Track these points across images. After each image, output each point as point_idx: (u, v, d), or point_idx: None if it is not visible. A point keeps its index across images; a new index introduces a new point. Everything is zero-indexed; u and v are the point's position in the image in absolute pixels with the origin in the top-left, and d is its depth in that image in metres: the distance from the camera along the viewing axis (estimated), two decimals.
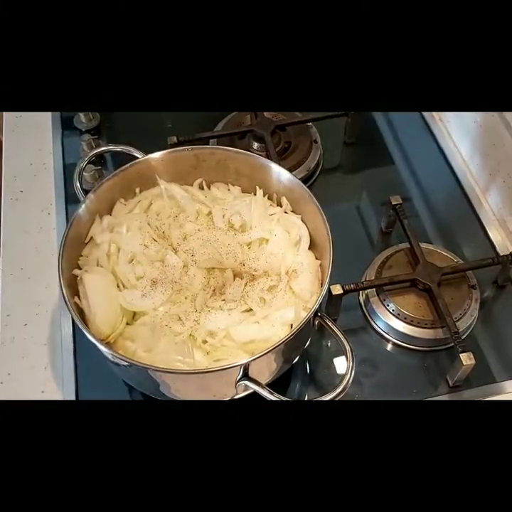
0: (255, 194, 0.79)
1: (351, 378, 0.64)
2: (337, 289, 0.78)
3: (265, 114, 1.00)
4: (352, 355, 0.65)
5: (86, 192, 0.76)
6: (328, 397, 0.63)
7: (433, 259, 0.84)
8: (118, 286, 0.71)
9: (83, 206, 0.74)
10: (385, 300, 0.82)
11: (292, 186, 0.77)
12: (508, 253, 0.83)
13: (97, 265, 0.73)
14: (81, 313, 0.68)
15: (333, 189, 0.98)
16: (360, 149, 1.04)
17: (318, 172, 1.00)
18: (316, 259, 0.74)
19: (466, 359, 0.73)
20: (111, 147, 0.91)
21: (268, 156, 0.91)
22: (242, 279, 0.71)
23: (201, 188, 0.81)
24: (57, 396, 0.77)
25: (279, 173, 0.77)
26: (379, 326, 0.82)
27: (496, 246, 0.90)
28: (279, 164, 0.78)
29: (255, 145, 0.98)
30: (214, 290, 0.71)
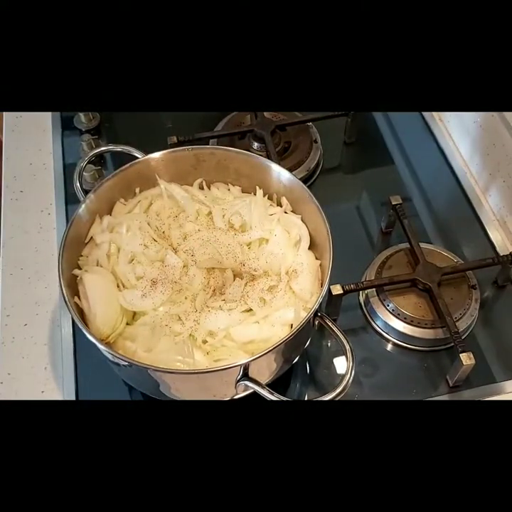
0: (255, 194, 0.79)
1: (351, 378, 0.64)
2: (337, 289, 0.78)
3: (265, 114, 1.00)
4: (352, 355, 0.65)
5: (86, 192, 0.76)
6: (328, 397, 0.63)
7: (433, 259, 0.84)
8: (118, 286, 0.71)
9: (83, 206, 0.74)
10: (385, 300, 0.82)
11: (292, 186, 0.77)
12: (508, 253, 0.83)
13: (97, 265, 0.73)
14: (81, 313, 0.68)
15: (333, 189, 0.98)
16: (360, 149, 1.04)
17: (318, 172, 1.00)
18: (316, 259, 0.74)
19: (466, 359, 0.73)
20: (111, 147, 0.91)
21: (268, 156, 0.91)
22: (242, 279, 0.71)
23: (201, 188, 0.81)
24: (57, 396, 0.77)
25: (279, 173, 0.77)
26: (379, 326, 0.82)
27: (496, 246, 0.90)
28: (279, 164, 0.78)
29: (255, 145, 0.98)
30: (214, 290, 0.71)
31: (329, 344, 0.82)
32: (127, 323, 0.70)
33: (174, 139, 0.93)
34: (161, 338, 0.67)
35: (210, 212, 0.78)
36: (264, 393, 0.64)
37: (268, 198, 0.79)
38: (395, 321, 0.81)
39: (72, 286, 0.70)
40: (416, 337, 0.80)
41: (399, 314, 0.81)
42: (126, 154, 0.80)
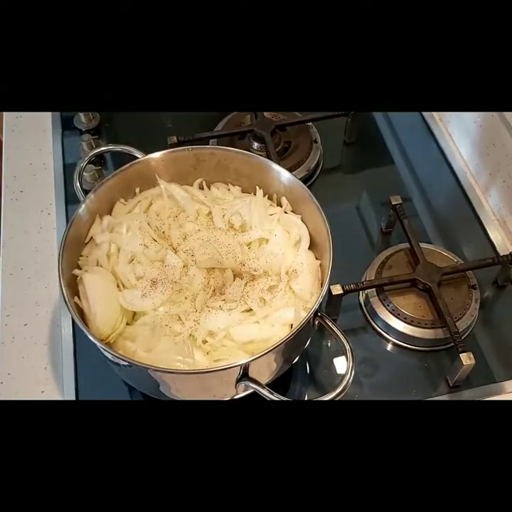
0: (255, 194, 0.79)
1: (351, 378, 0.64)
2: (337, 289, 0.78)
3: (265, 114, 1.00)
4: (352, 355, 0.65)
5: (86, 192, 0.76)
6: (328, 397, 0.63)
7: (433, 259, 0.84)
8: (118, 286, 0.71)
9: (83, 206, 0.74)
10: (385, 300, 0.82)
11: (292, 186, 0.77)
12: (508, 253, 0.83)
13: (97, 265, 0.73)
14: (81, 313, 0.68)
15: (333, 189, 0.98)
16: (360, 149, 1.04)
17: (318, 172, 1.00)
18: (316, 259, 0.74)
19: (466, 359, 0.73)
20: (111, 147, 0.91)
21: (268, 156, 0.91)
22: (242, 279, 0.71)
23: (201, 188, 0.81)
24: (57, 396, 0.77)
25: (279, 173, 0.77)
26: (379, 326, 0.82)
27: (496, 246, 0.90)
28: (279, 164, 0.78)
29: (255, 145, 0.98)
30: (214, 290, 0.71)
31: (329, 344, 0.82)
32: (127, 323, 0.70)
33: (174, 139, 0.93)
34: (161, 338, 0.67)
35: (210, 212, 0.78)
36: (264, 393, 0.64)
37: (268, 198, 0.79)
38: (395, 321, 0.81)
39: (72, 286, 0.70)
40: (416, 337, 0.80)
41: (399, 314, 0.81)
42: (126, 154, 0.80)
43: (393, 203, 0.88)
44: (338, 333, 0.67)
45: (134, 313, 0.71)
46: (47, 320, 0.84)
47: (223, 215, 0.77)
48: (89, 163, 0.83)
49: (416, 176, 1.00)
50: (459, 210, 0.96)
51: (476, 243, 0.91)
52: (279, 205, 0.79)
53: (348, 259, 0.81)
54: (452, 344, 0.77)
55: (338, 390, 0.63)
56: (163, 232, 0.76)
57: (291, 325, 0.68)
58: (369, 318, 0.84)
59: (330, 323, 0.68)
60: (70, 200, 0.94)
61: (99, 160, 0.99)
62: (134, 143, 0.81)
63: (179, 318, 0.69)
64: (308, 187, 0.75)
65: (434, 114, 1.07)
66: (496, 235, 0.92)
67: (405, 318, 0.81)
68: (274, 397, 0.64)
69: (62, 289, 0.66)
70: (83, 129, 1.04)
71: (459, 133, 1.03)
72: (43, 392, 0.78)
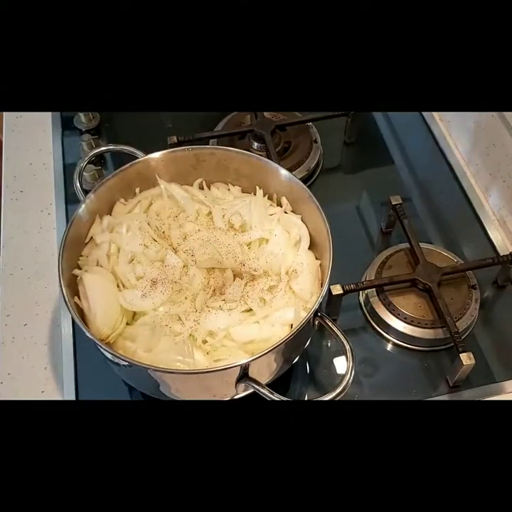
0: (255, 194, 0.79)
1: (351, 378, 0.64)
2: (337, 289, 0.78)
3: (265, 114, 1.00)
4: (352, 355, 0.65)
5: (86, 192, 0.76)
6: (328, 397, 0.63)
7: (433, 259, 0.84)
8: (118, 286, 0.71)
9: (83, 206, 0.74)
10: (385, 300, 0.82)
11: (292, 186, 0.77)
12: (508, 253, 0.83)
13: (97, 265, 0.73)
14: (81, 313, 0.68)
15: (333, 189, 0.98)
16: (360, 149, 1.04)
17: (318, 172, 1.00)
18: (316, 259, 0.74)
19: (466, 359, 0.73)
20: (111, 147, 0.90)
21: (268, 156, 0.91)
22: (242, 279, 0.71)
23: (201, 188, 0.81)
24: (57, 396, 0.78)
25: (279, 173, 0.77)
26: (379, 326, 0.82)
27: (496, 246, 0.90)
28: (279, 164, 0.78)
29: (255, 145, 0.98)
30: (214, 290, 0.71)
31: (329, 344, 0.82)
32: (127, 323, 0.70)
33: (174, 139, 0.93)
34: (161, 338, 0.67)
35: (210, 212, 0.78)
36: (265, 393, 0.64)
37: (268, 198, 0.79)
38: (395, 321, 0.81)
39: (72, 286, 0.70)
40: (416, 337, 0.80)
41: (399, 314, 0.81)
42: (126, 154, 0.80)
43: (393, 203, 0.88)
44: (338, 333, 0.67)
45: (134, 313, 0.71)
46: (47, 320, 0.84)
47: (223, 215, 0.77)
48: (89, 163, 0.83)
49: (416, 175, 1.00)
50: (459, 210, 0.96)
51: (476, 243, 0.91)
52: (279, 205, 0.79)
53: (348, 259, 0.81)
54: (452, 344, 0.77)
55: (338, 390, 0.63)
56: (163, 232, 0.76)
57: (291, 325, 0.68)
58: (369, 318, 0.84)
59: (330, 323, 0.68)
60: (70, 200, 0.94)
61: (99, 160, 0.99)
62: (134, 143, 0.81)
63: (179, 318, 0.69)
64: (308, 187, 0.75)
65: (434, 114, 1.07)
66: (496, 235, 0.92)
67: (405, 318, 0.81)
68: (274, 397, 0.64)
69: (62, 289, 0.66)
70: (83, 129, 1.04)
71: (459, 133, 1.03)
72: (43, 392, 0.78)
